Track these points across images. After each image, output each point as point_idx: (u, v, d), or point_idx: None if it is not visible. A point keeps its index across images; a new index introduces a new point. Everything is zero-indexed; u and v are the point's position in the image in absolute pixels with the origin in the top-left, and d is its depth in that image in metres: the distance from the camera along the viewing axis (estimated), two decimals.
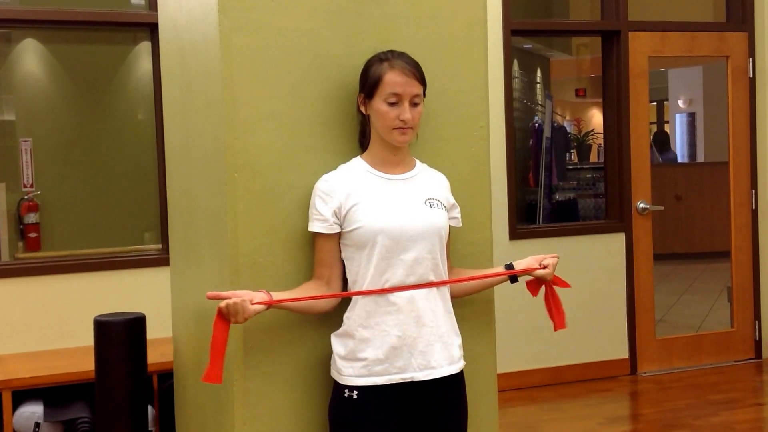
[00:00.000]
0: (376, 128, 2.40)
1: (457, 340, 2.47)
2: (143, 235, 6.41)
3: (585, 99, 15.32)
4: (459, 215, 2.53)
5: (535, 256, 2.55)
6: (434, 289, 2.40)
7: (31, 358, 4.29)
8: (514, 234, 5.44)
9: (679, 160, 13.94)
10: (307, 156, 2.45)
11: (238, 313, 2.22)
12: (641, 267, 5.81)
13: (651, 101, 16.36)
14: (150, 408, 3.95)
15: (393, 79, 2.34)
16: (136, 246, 6.06)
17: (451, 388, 2.44)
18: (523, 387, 5.47)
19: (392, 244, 2.33)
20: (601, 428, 4.74)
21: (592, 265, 5.68)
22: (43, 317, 4.55)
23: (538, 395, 5.37)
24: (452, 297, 2.49)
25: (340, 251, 2.40)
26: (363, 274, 2.35)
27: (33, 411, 3.86)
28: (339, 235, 2.38)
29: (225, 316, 2.24)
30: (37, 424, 3.84)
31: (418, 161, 2.51)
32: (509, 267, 2.55)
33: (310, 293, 2.36)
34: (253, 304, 2.24)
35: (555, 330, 2.63)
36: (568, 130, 13.80)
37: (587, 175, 10.54)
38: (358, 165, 2.43)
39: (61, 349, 4.42)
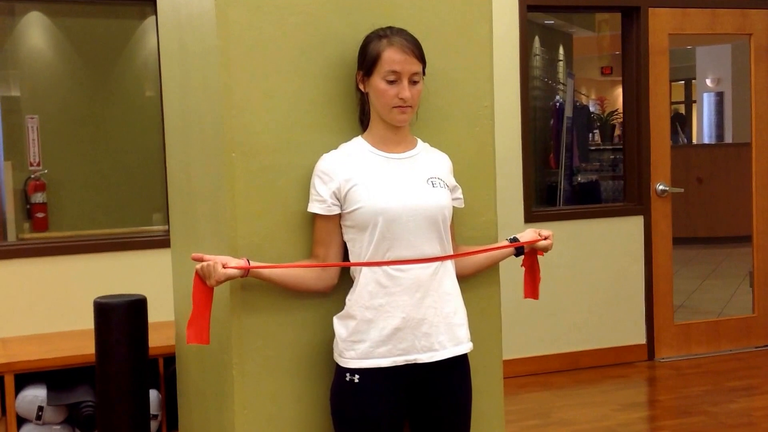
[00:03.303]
0: (375, 107, 2.41)
1: (463, 322, 2.48)
2: (151, 216, 6.44)
3: (611, 77, 15.21)
4: (461, 196, 2.54)
5: (532, 228, 2.64)
6: (439, 269, 2.41)
7: (34, 340, 4.33)
8: (529, 216, 5.44)
9: (705, 141, 13.86)
10: (307, 134, 2.46)
11: (210, 275, 2.29)
12: (660, 251, 5.80)
13: (678, 80, 16.21)
14: (156, 392, 3.99)
15: (391, 57, 2.35)
16: (144, 227, 6.09)
17: (456, 370, 2.46)
18: (538, 372, 5.50)
19: (394, 224, 2.35)
20: (615, 414, 4.76)
21: (609, 249, 5.69)
22: (48, 299, 4.60)
23: (552, 381, 5.39)
24: (459, 276, 2.50)
25: (341, 232, 2.42)
26: (364, 255, 2.37)
27: (36, 394, 3.90)
28: (338, 216, 2.40)
29: (202, 279, 2.32)
30: (41, 408, 3.88)
31: (419, 140, 2.52)
32: (513, 240, 2.60)
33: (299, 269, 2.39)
34: (226, 267, 2.29)
35: (524, 297, 2.73)
36: (592, 109, 13.74)
37: (610, 156, 10.50)
38: (358, 144, 2.44)
39: (66, 332, 4.46)
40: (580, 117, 9.94)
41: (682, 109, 16.47)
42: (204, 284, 2.32)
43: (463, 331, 2.48)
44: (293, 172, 2.44)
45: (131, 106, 7.05)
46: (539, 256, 2.69)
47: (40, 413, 3.88)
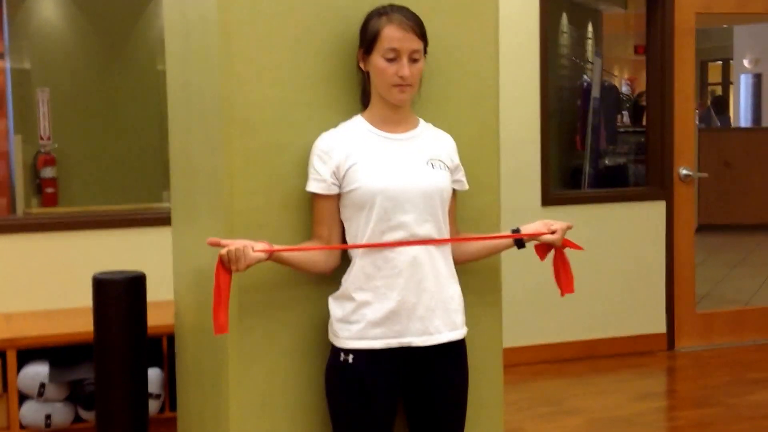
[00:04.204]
0: (375, 85, 2.46)
1: (460, 307, 2.53)
2: (161, 193, 6.49)
3: (644, 56, 15.12)
4: (464, 178, 2.58)
5: (544, 220, 2.59)
6: (437, 253, 2.46)
7: (38, 317, 4.43)
8: (547, 199, 5.47)
9: (742, 125, 13.78)
10: (307, 112, 2.51)
11: (240, 260, 2.28)
12: (682, 237, 5.81)
13: (715, 60, 16.01)
14: (159, 371, 4.08)
15: (391, 34, 2.39)
16: (154, 204, 6.15)
17: (452, 355, 2.51)
18: (553, 360, 5.54)
19: (391, 205, 2.40)
20: (629, 404, 4.81)
21: (629, 234, 5.71)
22: (53, 275, 4.67)
23: (567, 369, 5.44)
24: (456, 263, 2.55)
25: (339, 212, 2.48)
26: (361, 235, 2.42)
27: (38, 371, 4.01)
28: (338, 196, 2.45)
29: (226, 264, 2.29)
30: (42, 385, 3.99)
31: (422, 120, 2.56)
32: (516, 231, 2.58)
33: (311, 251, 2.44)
34: (254, 251, 2.32)
35: (562, 295, 2.67)
36: (625, 90, 13.67)
37: (640, 139, 10.47)
38: (358, 123, 2.49)
39: (70, 309, 4.55)
40: (609, 98, 9.89)
41: (719, 90, 16.35)
42: (226, 271, 2.30)
43: (459, 317, 2.53)
44: (292, 149, 2.49)
45: (143, 80, 7.07)
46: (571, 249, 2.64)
47: (41, 390, 3.99)
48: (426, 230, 2.44)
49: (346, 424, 2.47)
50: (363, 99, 2.54)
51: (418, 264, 2.43)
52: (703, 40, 13.41)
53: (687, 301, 5.87)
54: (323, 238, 2.47)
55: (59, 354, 4.10)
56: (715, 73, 16.55)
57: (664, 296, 5.81)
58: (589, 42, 11.00)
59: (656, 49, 5.78)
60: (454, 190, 2.56)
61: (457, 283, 2.54)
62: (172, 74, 3.15)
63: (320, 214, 2.47)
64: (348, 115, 2.52)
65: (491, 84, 2.73)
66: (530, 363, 5.44)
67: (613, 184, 8.83)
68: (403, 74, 2.40)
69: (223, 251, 2.28)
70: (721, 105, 13.44)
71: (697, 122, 11.22)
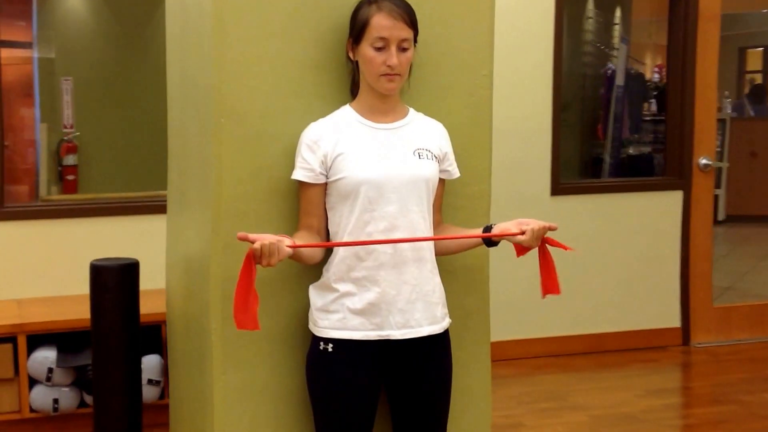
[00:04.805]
0: (364, 75, 2.49)
1: (441, 299, 2.56)
2: None
3: None
4: (451, 167, 2.60)
5: (519, 219, 2.52)
6: (419, 245, 2.48)
7: (48, 303, 4.51)
8: (557, 189, 5.44)
9: None
10: (296, 101, 2.55)
11: (273, 255, 2.27)
12: (699, 229, 5.76)
13: (755, 47, 15.70)
14: (158, 357, 4.14)
15: (379, 23, 2.42)
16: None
17: (433, 348, 2.54)
18: (560, 354, 5.50)
19: (376, 196, 2.43)
20: (637, 400, 4.78)
21: (643, 225, 5.66)
22: (65, 261, 4.73)
23: (575, 363, 5.40)
24: (437, 255, 2.57)
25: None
26: (345, 225, 2.46)
27: (46, 356, 4.09)
28: (326, 185, 2.48)
29: (257, 259, 2.27)
30: (50, 369, 4.07)
31: (411, 109, 2.58)
32: (487, 229, 2.56)
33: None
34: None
35: (543, 296, 2.61)
36: (655, 78, 13.54)
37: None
38: (346, 113, 2.52)
39: (80, 295, 4.60)
40: (634, 85, 9.84)
41: (759, 78, 16.08)
42: (252, 266, 2.28)
43: (440, 310, 2.56)
44: (282, 139, 2.53)
45: (164, 70, 7.14)
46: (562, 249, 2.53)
47: (50, 375, 4.07)
48: (410, 221, 2.47)
49: (326, 413, 2.51)
50: (352, 89, 2.58)
51: (400, 257, 2.45)
52: (741, 26, 13.23)
53: (704, 295, 5.82)
54: (313, 229, 2.50)
55: (67, 339, 4.18)
56: (754, 61, 16.26)
57: (679, 289, 5.76)
58: (617, 28, 10.92)
59: (678, 34, 5.73)
60: (442, 180, 2.58)
61: (438, 275, 2.56)
62: (171, 62, 3.20)
63: (309, 204, 2.49)
64: (337, 105, 2.55)
65: (485, 73, 2.75)
66: (537, 356, 5.42)
67: (636, 174, 8.79)
68: (392, 63, 2.42)
69: (256, 245, 2.25)
70: (759, 94, 13.24)
71: (730, 111, 11.12)
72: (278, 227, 2.53)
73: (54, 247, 4.71)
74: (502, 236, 2.51)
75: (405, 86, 2.56)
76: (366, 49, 2.44)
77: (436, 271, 2.56)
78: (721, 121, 10.55)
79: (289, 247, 2.31)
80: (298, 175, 2.47)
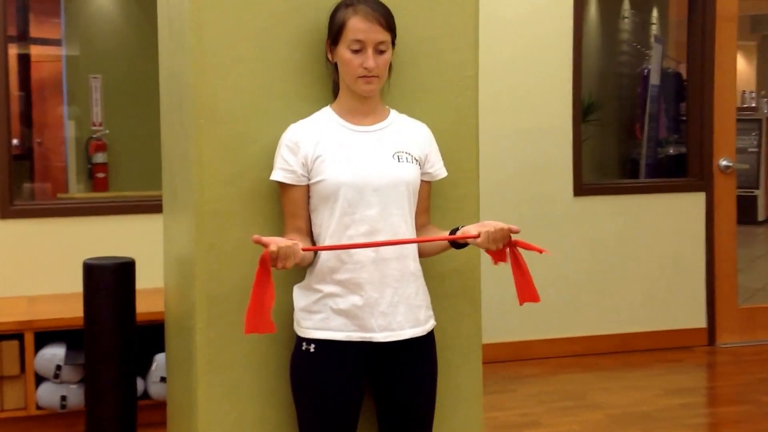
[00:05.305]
0: (342, 77, 2.50)
1: (424, 302, 2.56)
2: None
3: None
4: (434, 170, 2.59)
5: (484, 222, 2.46)
6: (402, 248, 2.49)
7: (59, 300, 4.57)
8: (579, 190, 5.43)
9: None
10: (277, 102, 2.56)
11: (289, 258, 2.29)
12: (723, 230, 5.74)
13: None
14: (163, 356, 4.18)
15: (355, 25, 2.43)
16: None
17: (416, 350, 2.54)
18: (585, 354, 5.51)
19: (355, 199, 2.43)
20: (656, 399, 4.77)
21: (667, 226, 5.65)
22: (77, 259, 4.77)
23: (598, 363, 5.40)
24: (421, 257, 2.58)
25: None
26: (326, 227, 2.47)
27: (54, 353, 4.15)
28: (308, 187, 2.49)
29: (273, 262, 2.28)
30: (59, 367, 4.12)
31: (393, 111, 2.59)
32: (453, 233, 2.51)
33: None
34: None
35: (520, 303, 2.53)
36: None
37: None
38: (326, 115, 2.53)
39: None
40: (670, 85, 9.75)
41: None
42: (267, 269, 2.27)
43: (423, 312, 2.55)
44: (263, 139, 2.54)
45: None
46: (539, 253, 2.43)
47: (57, 372, 4.12)
48: (391, 224, 2.46)
49: (309, 413, 2.52)
50: (334, 90, 2.58)
51: (382, 259, 2.46)
52: None
53: (729, 296, 5.79)
54: (302, 231, 2.51)
55: (77, 337, 4.21)
56: None
57: (704, 290, 5.74)
58: (654, 27, 10.82)
59: (697, 34, 5.69)
60: (428, 182, 2.59)
61: (423, 278, 2.56)
62: (162, 63, 3.24)
63: (294, 206, 2.50)
64: (319, 106, 2.56)
65: (470, 74, 2.74)
66: (561, 356, 5.43)
67: (672, 174, 8.70)
68: (368, 65, 2.43)
69: (272, 248, 2.26)
70: None
71: (767, 111, 10.96)
72: (262, 228, 2.55)
73: (67, 245, 4.78)
74: (464, 238, 2.45)
75: (386, 87, 2.57)
76: (343, 51, 2.45)
77: (421, 273, 2.56)
78: (757, 121, 10.40)
79: (306, 249, 2.33)
80: (278, 176, 2.48)
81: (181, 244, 2.84)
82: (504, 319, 5.20)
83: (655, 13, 10.86)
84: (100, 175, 6.98)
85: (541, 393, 4.84)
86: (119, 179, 7.13)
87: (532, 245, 2.44)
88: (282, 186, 2.50)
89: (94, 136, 6.98)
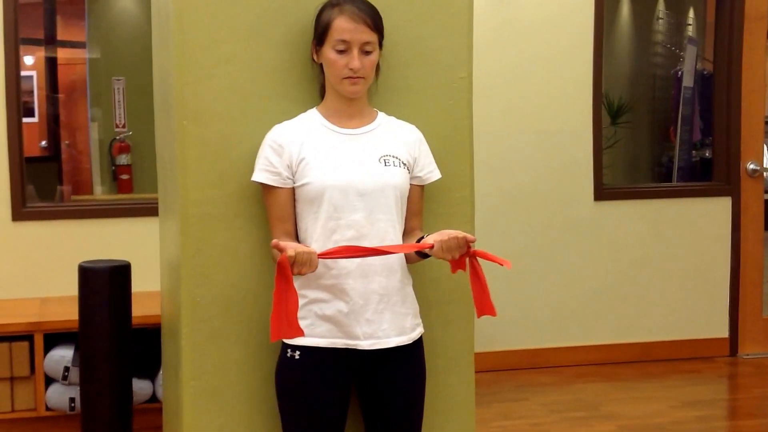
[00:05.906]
0: (328, 78, 2.46)
1: (411, 310, 2.52)
2: None
3: None
4: (424, 173, 2.54)
5: (445, 231, 2.39)
6: (391, 255, 2.43)
7: (70, 302, 4.56)
8: (600, 194, 5.34)
9: None
10: (264, 103, 2.54)
11: (305, 264, 2.26)
12: (750, 236, 5.61)
13: None
14: None
15: (341, 26, 2.39)
16: None
17: (403, 358, 2.50)
18: (603, 362, 5.41)
19: (341, 203, 2.39)
20: (671, 411, 4.67)
21: (690, 232, 5.54)
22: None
23: (615, 372, 5.31)
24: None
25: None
26: (311, 232, 2.43)
27: (63, 354, 4.16)
28: (293, 189, 2.45)
29: (291, 267, 2.24)
30: (67, 368, 4.14)
31: (381, 114, 2.55)
32: (419, 241, 2.46)
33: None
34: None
35: (477, 316, 2.48)
36: None
37: None
38: (312, 116, 2.49)
39: None
40: (705, 87, 9.61)
41: None
42: (287, 274, 2.23)
43: (410, 320, 2.51)
44: (249, 141, 2.51)
45: None
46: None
47: (66, 373, 4.13)
48: (378, 230, 2.42)
49: (294, 420, 2.49)
50: (321, 92, 2.55)
51: (369, 266, 2.41)
52: None
53: (753, 305, 5.66)
54: (292, 234, 2.47)
55: None
56: None
57: (728, 298, 5.61)
58: (690, 29, 10.67)
59: (724, 35, 5.59)
60: (419, 186, 2.54)
61: (411, 285, 2.52)
62: (154, 63, 3.24)
63: (281, 209, 2.45)
64: (306, 107, 2.54)
65: (464, 76, 2.70)
66: (578, 364, 5.35)
67: (707, 178, 8.58)
68: (354, 66, 2.39)
69: (290, 252, 2.22)
70: None
71: None
72: (248, 231, 2.53)
73: (79, 247, 4.79)
74: (422, 248, 2.38)
75: (374, 88, 2.54)
76: (328, 52, 2.42)
77: (408, 281, 2.52)
78: None
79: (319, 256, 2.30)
80: (261, 177, 2.44)
81: (171, 248, 2.83)
82: (520, 326, 5.13)
83: (691, 14, 10.72)
84: (125, 176, 7.02)
85: (555, 402, 4.77)
86: (143, 181, 7.16)
87: (493, 256, 2.37)
88: (266, 188, 2.46)
89: (117, 137, 7.02)
